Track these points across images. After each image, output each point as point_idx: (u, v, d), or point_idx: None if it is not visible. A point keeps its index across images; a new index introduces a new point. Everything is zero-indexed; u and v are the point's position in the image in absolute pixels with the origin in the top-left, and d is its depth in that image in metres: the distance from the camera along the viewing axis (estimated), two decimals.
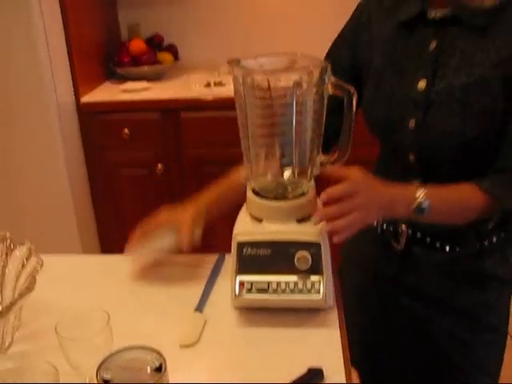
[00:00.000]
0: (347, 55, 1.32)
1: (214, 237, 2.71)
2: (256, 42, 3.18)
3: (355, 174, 1.04)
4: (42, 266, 1.06)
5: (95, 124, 2.70)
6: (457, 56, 1.13)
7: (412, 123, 1.18)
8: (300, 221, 1.09)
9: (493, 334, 1.33)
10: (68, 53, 2.62)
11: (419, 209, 1.07)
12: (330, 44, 1.38)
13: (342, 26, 1.38)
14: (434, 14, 1.16)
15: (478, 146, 1.14)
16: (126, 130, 2.66)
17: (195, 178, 2.73)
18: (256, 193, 1.11)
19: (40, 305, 1.12)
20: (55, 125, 2.52)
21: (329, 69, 1.02)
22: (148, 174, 2.74)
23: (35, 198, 2.60)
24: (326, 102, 1.05)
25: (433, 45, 1.16)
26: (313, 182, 1.13)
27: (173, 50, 3.14)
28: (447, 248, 1.26)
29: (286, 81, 1.00)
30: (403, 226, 1.29)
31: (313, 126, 1.05)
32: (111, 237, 2.87)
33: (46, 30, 2.41)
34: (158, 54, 3.08)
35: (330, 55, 1.37)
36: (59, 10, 2.53)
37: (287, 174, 1.08)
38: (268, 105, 1.01)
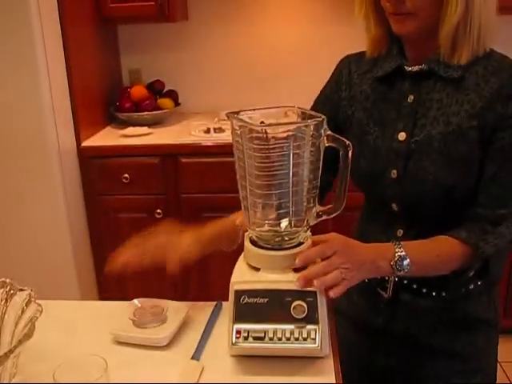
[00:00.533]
0: (328, 112, 1.30)
1: (211, 285, 2.74)
2: (255, 89, 3.24)
3: (332, 236, 1.09)
4: (41, 312, 1.07)
5: (96, 168, 2.73)
6: (434, 108, 1.20)
7: (394, 173, 1.24)
8: (297, 270, 1.10)
9: (482, 377, 1.35)
10: (70, 97, 2.67)
11: (400, 266, 1.11)
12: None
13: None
14: (411, 68, 1.23)
15: (458, 193, 1.18)
16: (126, 175, 2.69)
17: (194, 223, 2.73)
18: (253, 242, 1.13)
19: (37, 350, 1.12)
20: (56, 169, 2.55)
21: (325, 122, 1.05)
22: (147, 218, 2.75)
23: (35, 243, 2.61)
24: (322, 154, 1.07)
25: (410, 98, 1.23)
26: (309, 232, 1.14)
27: (173, 95, 3.19)
28: (434, 293, 1.29)
29: (283, 133, 1.03)
30: None
31: (309, 177, 1.07)
32: (110, 283, 2.87)
33: (50, 74, 2.46)
34: (159, 99, 3.13)
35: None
36: (63, 54, 2.59)
37: (284, 224, 1.10)
38: (266, 156, 1.03)
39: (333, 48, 3.17)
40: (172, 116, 3.13)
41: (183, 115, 3.18)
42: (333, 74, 1.43)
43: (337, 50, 3.11)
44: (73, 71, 2.64)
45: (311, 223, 1.12)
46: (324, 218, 1.11)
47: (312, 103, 1.44)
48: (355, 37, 3.15)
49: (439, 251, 1.17)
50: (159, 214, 2.73)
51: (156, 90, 3.19)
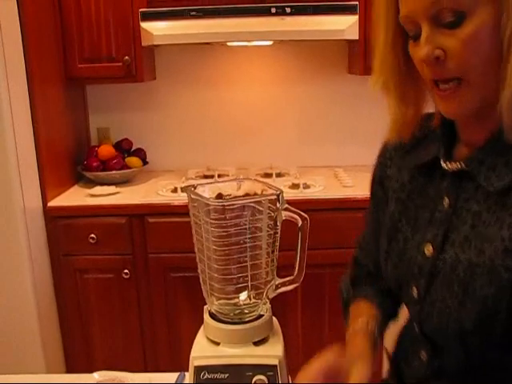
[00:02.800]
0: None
1: (181, 351, 2.70)
2: (222, 147, 3.27)
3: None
4: None
5: (62, 228, 2.70)
6: (468, 223, 0.96)
7: (415, 292, 1.05)
8: (257, 343, 1.09)
9: None
10: (37, 156, 2.64)
11: None
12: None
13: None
14: (447, 165, 1.01)
15: (479, 338, 0.94)
16: (93, 235, 2.66)
17: (162, 283, 2.72)
18: (213, 316, 1.12)
19: None
20: (21, 229, 2.50)
21: (282, 196, 1.05)
22: (114, 278, 2.72)
23: None
24: (279, 226, 1.07)
25: (446, 202, 1.01)
26: (269, 305, 1.14)
27: (141, 154, 3.20)
28: None
29: (240, 204, 1.03)
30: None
31: (267, 251, 1.07)
32: (76, 347, 2.81)
33: (16, 133, 2.44)
34: (127, 158, 3.13)
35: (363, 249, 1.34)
36: (29, 113, 2.58)
37: (243, 297, 1.09)
38: (223, 230, 1.03)
39: (298, 107, 3.25)
40: (140, 174, 3.13)
41: (151, 174, 3.18)
42: (373, 173, 1.25)
43: (302, 108, 3.23)
44: (39, 130, 2.63)
45: (270, 296, 1.12)
46: (283, 289, 1.11)
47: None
48: (320, 96, 3.24)
49: None
50: (127, 273, 2.69)
51: (124, 148, 3.19)
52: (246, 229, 1.03)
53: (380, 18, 0.99)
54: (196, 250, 1.10)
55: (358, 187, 2.74)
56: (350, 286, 1.35)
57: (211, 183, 1.11)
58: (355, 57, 2.94)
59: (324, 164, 3.25)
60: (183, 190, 1.04)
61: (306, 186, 2.77)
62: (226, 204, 1.03)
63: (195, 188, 1.07)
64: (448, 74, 0.90)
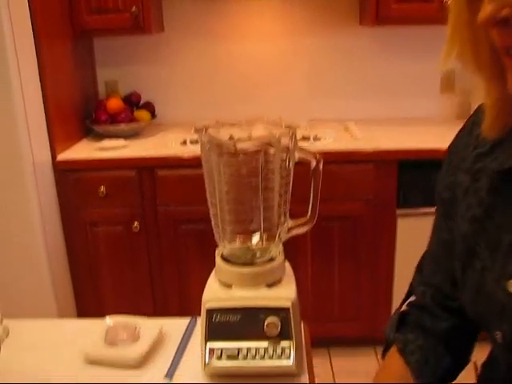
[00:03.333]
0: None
1: (191, 298, 2.73)
2: (231, 100, 3.24)
3: None
4: (7, 335, 1.04)
5: (71, 182, 2.70)
6: None
7: (498, 337, 0.83)
8: (269, 286, 1.09)
9: None
10: (45, 111, 2.63)
11: None
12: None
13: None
14: None
15: None
16: (103, 188, 2.66)
17: (171, 236, 2.72)
18: (225, 259, 1.12)
19: (3, 372, 1.10)
20: (31, 183, 2.51)
21: (295, 136, 1.04)
22: (124, 231, 2.73)
23: (8, 257, 2.57)
24: (292, 168, 1.06)
25: None
26: (281, 247, 1.13)
27: (150, 107, 3.18)
28: None
29: (252, 147, 1.02)
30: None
31: (280, 192, 1.06)
32: (87, 296, 2.84)
33: (23, 87, 2.42)
34: (136, 111, 3.11)
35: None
36: (37, 67, 2.55)
37: (255, 239, 1.09)
38: (235, 171, 1.02)
39: (308, 60, 3.21)
40: (148, 128, 3.11)
41: (160, 127, 3.16)
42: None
43: (312, 61, 3.19)
44: (47, 84, 2.61)
45: (283, 238, 1.11)
46: (296, 232, 1.10)
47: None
48: (330, 48, 3.20)
49: None
50: (136, 227, 2.70)
51: (132, 102, 3.16)
52: (258, 170, 1.01)
53: None
54: (208, 194, 1.09)
55: (369, 140, 2.71)
56: (395, 324, 1.10)
57: (223, 126, 1.09)
58: (367, 7, 2.89)
59: (334, 117, 3.22)
60: (195, 131, 1.02)
61: (317, 139, 2.75)
62: (237, 145, 1.01)
63: (207, 130, 1.05)
64: None
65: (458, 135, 0.95)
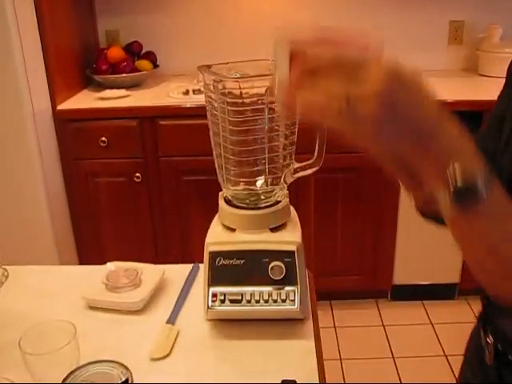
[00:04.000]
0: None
1: (193, 246, 2.71)
2: (234, 51, 3.17)
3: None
4: (7, 277, 1.03)
5: (72, 132, 2.66)
6: None
7: None
8: (274, 229, 1.07)
9: None
10: (44, 60, 2.58)
11: (466, 188, 0.61)
12: None
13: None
14: None
15: None
16: (104, 138, 2.62)
17: (173, 186, 2.70)
18: (228, 202, 1.09)
19: (4, 317, 1.09)
20: (31, 133, 2.48)
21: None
22: (126, 182, 2.70)
23: (10, 206, 2.55)
24: None
25: None
26: (286, 190, 1.10)
27: (152, 57, 3.12)
28: None
29: (258, 87, 0.98)
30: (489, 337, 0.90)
31: (285, 133, 1.03)
32: (88, 246, 2.84)
33: (21, 36, 2.37)
34: (137, 61, 3.05)
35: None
36: (35, 16, 2.49)
37: (260, 182, 1.06)
38: (240, 111, 0.98)
39: (313, 13, 3.13)
40: (150, 78, 3.06)
41: (162, 77, 3.11)
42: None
43: (317, 14, 3.11)
44: (46, 33, 2.55)
45: (288, 181, 1.07)
46: (301, 174, 1.06)
47: None
48: (334, 1, 3.13)
49: None
50: (138, 177, 2.67)
51: (134, 51, 3.10)
52: (263, 109, 0.98)
53: None
54: (211, 133, 1.06)
55: None
56: None
57: (226, 63, 1.05)
58: None
59: None
60: (198, 68, 0.98)
61: None
62: (242, 83, 0.97)
63: (210, 67, 1.02)
64: None
65: None
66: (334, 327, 2.86)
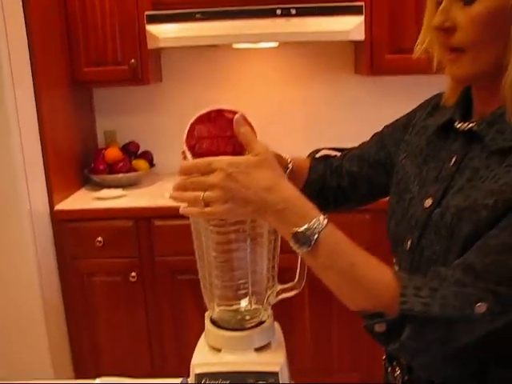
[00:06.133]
0: (389, 145, 1.31)
1: (189, 355, 2.70)
2: None
3: (260, 149, 0.98)
4: None
5: (69, 232, 2.70)
6: (465, 177, 0.98)
7: (408, 244, 1.06)
8: (258, 350, 1.09)
9: None
10: (43, 160, 2.65)
11: (305, 237, 0.90)
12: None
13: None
14: (461, 125, 1.04)
15: None
16: (100, 238, 2.66)
17: (168, 286, 2.72)
18: (214, 322, 1.12)
19: None
20: (28, 233, 2.52)
21: None
22: (121, 281, 2.72)
23: (4, 307, 2.55)
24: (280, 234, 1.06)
25: (452, 160, 1.02)
26: (270, 311, 1.13)
27: (148, 156, 3.20)
28: None
29: None
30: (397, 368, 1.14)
31: (268, 256, 1.06)
32: (84, 350, 2.82)
33: (22, 136, 2.45)
34: (134, 161, 3.13)
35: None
36: (36, 117, 2.59)
37: (244, 303, 1.09)
38: (223, 233, 1.02)
39: (304, 108, 3.24)
40: (147, 177, 3.13)
41: (158, 176, 3.17)
42: (414, 109, 1.27)
43: (308, 110, 3.22)
44: (46, 133, 2.64)
45: (271, 302, 1.11)
46: (284, 296, 1.10)
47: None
48: (327, 97, 3.23)
49: (364, 260, 0.93)
50: (134, 277, 2.70)
51: (131, 151, 3.19)
52: (246, 235, 1.02)
53: None
54: (197, 256, 1.10)
55: None
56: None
57: None
58: (361, 57, 2.93)
59: None
60: None
61: None
62: None
63: None
64: (453, 44, 0.95)
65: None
66: None
